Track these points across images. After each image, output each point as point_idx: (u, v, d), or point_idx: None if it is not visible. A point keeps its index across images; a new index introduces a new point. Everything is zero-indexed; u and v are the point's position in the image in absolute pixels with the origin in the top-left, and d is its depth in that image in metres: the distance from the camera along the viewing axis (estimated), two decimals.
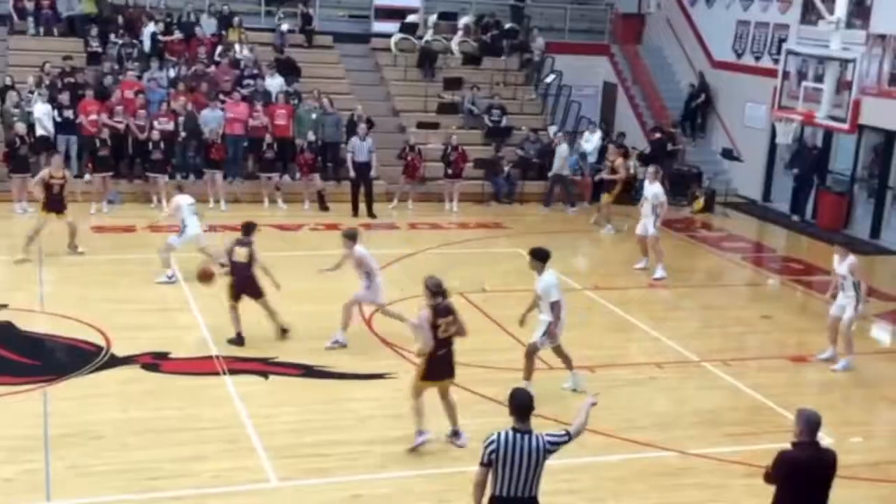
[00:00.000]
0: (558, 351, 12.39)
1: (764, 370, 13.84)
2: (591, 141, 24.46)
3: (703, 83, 27.14)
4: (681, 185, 24.78)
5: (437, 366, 10.60)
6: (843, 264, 13.91)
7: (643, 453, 11.10)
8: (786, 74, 19.72)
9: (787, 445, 7.67)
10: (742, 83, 25.88)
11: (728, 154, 25.85)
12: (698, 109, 27.10)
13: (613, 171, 21.91)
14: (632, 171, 23.10)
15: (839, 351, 14.14)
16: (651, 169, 18.85)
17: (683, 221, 23.27)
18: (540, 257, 11.86)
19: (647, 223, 18.07)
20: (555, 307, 11.86)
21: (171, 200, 16.99)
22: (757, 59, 25.76)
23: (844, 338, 14.00)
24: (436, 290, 10.45)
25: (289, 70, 24.57)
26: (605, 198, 21.74)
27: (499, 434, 7.39)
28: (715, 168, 25.80)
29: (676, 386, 13.10)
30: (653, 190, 18.06)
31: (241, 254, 13.53)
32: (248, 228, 13.88)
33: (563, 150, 23.54)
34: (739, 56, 26.45)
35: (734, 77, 26.33)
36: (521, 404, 7.55)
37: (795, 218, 23.50)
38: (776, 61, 22.53)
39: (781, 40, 24.05)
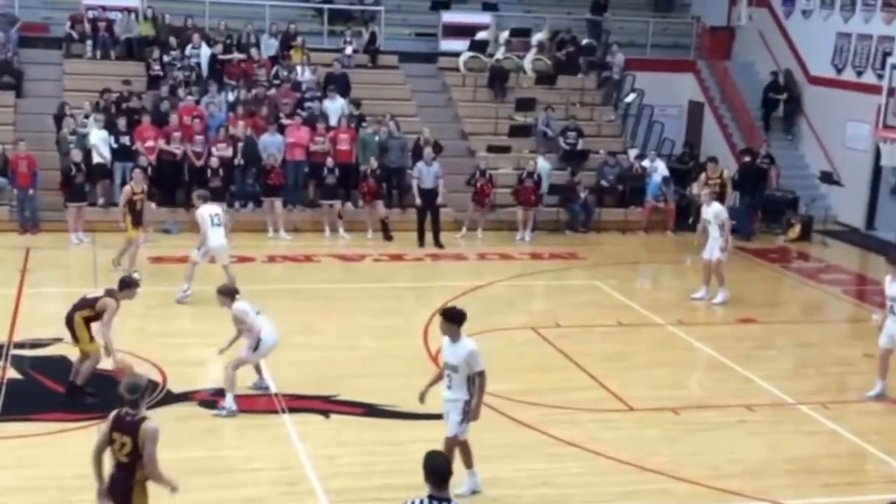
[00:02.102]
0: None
1: (866, 414, 13.68)
2: (656, 168, 24.45)
3: (789, 81, 27.12)
4: (775, 211, 24.63)
5: None
6: (894, 284, 13.51)
7: (731, 503, 11.07)
8: (891, 91, 19.64)
9: (894, 497, 7.63)
10: (842, 100, 25.71)
11: (827, 178, 25.62)
12: (779, 105, 27.16)
13: (723, 185, 21.83)
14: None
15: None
16: (706, 190, 18.89)
17: (777, 251, 23.13)
18: (454, 319, 10.34)
19: (713, 246, 17.99)
20: (479, 380, 10.47)
21: (196, 211, 17.42)
22: (859, 74, 25.58)
23: None
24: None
25: (343, 88, 24.89)
26: None
27: (413, 502, 7.13)
28: (812, 193, 25.60)
29: (769, 430, 13.02)
30: (713, 210, 18.06)
31: None
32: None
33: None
34: (839, 71, 26.30)
35: (834, 94, 26.16)
36: (436, 470, 7.22)
37: None
38: (880, 77, 22.45)
39: (886, 54, 23.92)
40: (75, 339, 12.68)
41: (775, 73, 27.73)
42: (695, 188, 22.33)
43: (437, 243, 21.68)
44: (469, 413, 10.43)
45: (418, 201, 21.74)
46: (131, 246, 18.24)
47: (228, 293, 13.04)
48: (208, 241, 16.88)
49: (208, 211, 17.07)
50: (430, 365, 14.56)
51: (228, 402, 12.61)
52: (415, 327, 15.97)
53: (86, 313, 12.58)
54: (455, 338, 10.36)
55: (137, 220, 18.24)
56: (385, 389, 13.44)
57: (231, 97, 24.10)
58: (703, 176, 22.41)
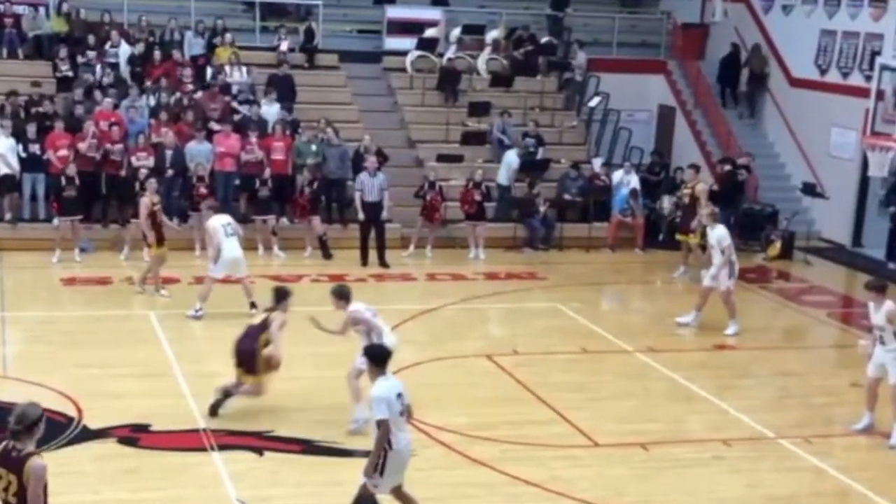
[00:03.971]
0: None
1: (853, 449, 13.97)
2: (628, 182, 24.71)
3: (754, 56, 27.90)
4: (753, 226, 24.94)
5: None
6: (879, 312, 13.92)
7: None
8: (880, 94, 20.00)
9: None
10: (827, 104, 26.07)
11: (810, 189, 25.90)
12: (738, 81, 28.06)
13: (694, 196, 22.15)
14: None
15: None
16: (706, 210, 19.18)
17: (756, 270, 23.44)
18: (374, 358, 10.64)
19: (718, 274, 18.20)
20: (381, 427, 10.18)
21: (207, 223, 17.91)
22: (845, 75, 25.99)
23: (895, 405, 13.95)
24: None
25: (287, 92, 25.02)
26: (693, 238, 21.76)
27: None
28: (794, 206, 25.89)
29: (747, 467, 13.23)
30: (716, 234, 18.34)
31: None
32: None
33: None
34: (823, 72, 26.71)
35: (817, 97, 26.52)
36: None
37: (893, 266, 23.56)
38: (868, 78, 22.83)
39: (874, 53, 24.15)
40: (251, 371, 13.54)
41: (735, 46, 28.24)
42: (665, 201, 22.62)
43: (382, 262, 21.79)
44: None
45: (361, 216, 21.82)
46: (155, 264, 18.89)
47: (343, 295, 13.49)
48: (224, 252, 17.39)
49: (220, 221, 17.58)
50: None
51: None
52: (357, 355, 16.01)
53: (264, 339, 13.51)
54: (379, 373, 10.39)
55: (162, 235, 18.81)
56: (325, 424, 13.54)
57: (153, 101, 24.10)
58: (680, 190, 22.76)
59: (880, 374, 14.11)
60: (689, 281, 21.33)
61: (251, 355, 13.52)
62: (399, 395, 10.24)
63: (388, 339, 13.12)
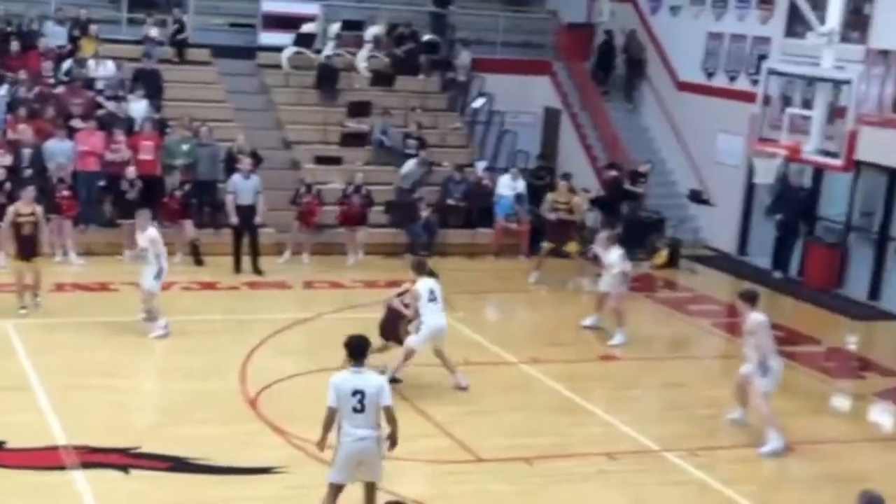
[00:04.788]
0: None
1: (738, 461, 14.29)
2: (515, 187, 25.00)
3: (631, 42, 28.67)
4: (638, 234, 25.32)
5: None
6: (747, 321, 14.68)
7: None
8: (767, 99, 20.45)
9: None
10: (713, 109, 26.50)
11: (696, 197, 26.39)
12: (613, 67, 28.92)
13: (571, 211, 22.53)
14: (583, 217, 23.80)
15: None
16: (603, 234, 19.51)
17: (642, 279, 23.70)
18: (348, 349, 10.96)
19: (608, 280, 18.83)
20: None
21: (145, 232, 17.47)
22: (732, 79, 26.49)
23: (765, 418, 14.67)
24: None
25: (154, 88, 24.76)
26: (573, 247, 22.14)
27: None
28: (680, 214, 26.45)
29: (632, 481, 13.47)
30: (609, 258, 18.78)
31: None
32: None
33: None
34: (710, 76, 27.22)
35: (704, 101, 27.00)
36: None
37: (778, 275, 24.17)
38: (755, 83, 23.28)
39: (762, 57, 24.73)
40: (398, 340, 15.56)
41: (609, 32, 28.88)
42: (546, 210, 22.80)
43: (256, 269, 21.69)
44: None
45: (234, 220, 21.70)
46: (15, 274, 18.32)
47: (416, 267, 15.95)
48: (164, 264, 17.36)
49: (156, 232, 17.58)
50: (247, 411, 14.64)
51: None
52: (230, 367, 16.01)
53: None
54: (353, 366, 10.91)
55: (26, 248, 18.08)
56: (195, 440, 13.45)
57: (10, 95, 23.66)
58: (548, 197, 22.99)
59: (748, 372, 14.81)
60: (546, 288, 21.87)
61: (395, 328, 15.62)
62: (356, 393, 10.54)
63: (432, 321, 15.42)
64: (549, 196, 23.02)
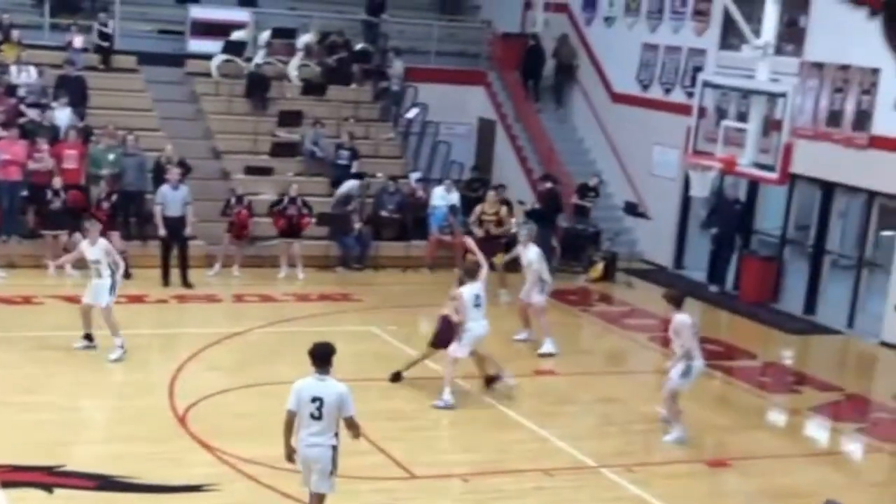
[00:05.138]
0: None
1: (675, 477, 14.39)
2: (449, 199, 25.08)
3: (562, 47, 28.96)
4: (574, 247, 25.51)
5: None
6: (672, 322, 15.21)
7: None
8: (702, 111, 20.66)
9: None
10: (648, 121, 26.82)
11: (632, 209, 26.58)
12: (541, 73, 29.18)
13: (500, 223, 22.61)
14: (513, 230, 23.82)
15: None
16: (524, 231, 19.71)
17: (577, 292, 23.99)
18: (311, 355, 11.05)
19: (530, 290, 18.99)
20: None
21: (96, 244, 17.18)
22: (667, 91, 26.77)
23: (669, 407, 15.34)
24: None
25: (79, 95, 24.55)
26: (500, 258, 22.21)
27: None
28: (616, 227, 26.64)
29: (568, 497, 13.55)
30: (528, 255, 18.97)
31: None
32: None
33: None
34: (645, 88, 27.49)
35: (639, 113, 27.29)
36: None
37: (713, 289, 24.42)
38: (690, 95, 23.53)
39: (697, 69, 25.04)
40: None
41: (536, 37, 29.13)
42: (472, 221, 22.83)
43: (186, 282, 21.60)
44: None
45: (162, 232, 21.60)
46: None
47: (464, 273, 16.50)
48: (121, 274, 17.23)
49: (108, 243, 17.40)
50: (176, 427, 14.56)
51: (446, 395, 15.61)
52: (158, 383, 15.93)
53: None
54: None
55: None
56: (123, 458, 13.35)
57: None
58: (476, 209, 23.04)
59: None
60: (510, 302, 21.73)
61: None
62: (315, 399, 10.69)
63: (476, 328, 15.98)
64: (477, 208, 23.09)
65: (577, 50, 29.34)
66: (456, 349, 16.10)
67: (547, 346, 18.91)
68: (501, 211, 22.99)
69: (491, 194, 23.43)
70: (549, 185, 25.80)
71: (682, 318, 15.16)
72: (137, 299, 20.32)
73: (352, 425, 10.87)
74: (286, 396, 15.68)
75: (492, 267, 22.39)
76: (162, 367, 16.64)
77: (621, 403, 17.06)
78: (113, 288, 17.08)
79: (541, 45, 29.46)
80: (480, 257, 17.13)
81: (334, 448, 10.86)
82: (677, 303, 15.41)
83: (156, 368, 16.68)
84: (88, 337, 17.19)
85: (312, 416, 10.75)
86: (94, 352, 17.11)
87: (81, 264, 18.42)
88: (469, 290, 16.17)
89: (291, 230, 23.19)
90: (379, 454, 14.05)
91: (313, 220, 23.61)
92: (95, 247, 17.16)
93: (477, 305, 16.16)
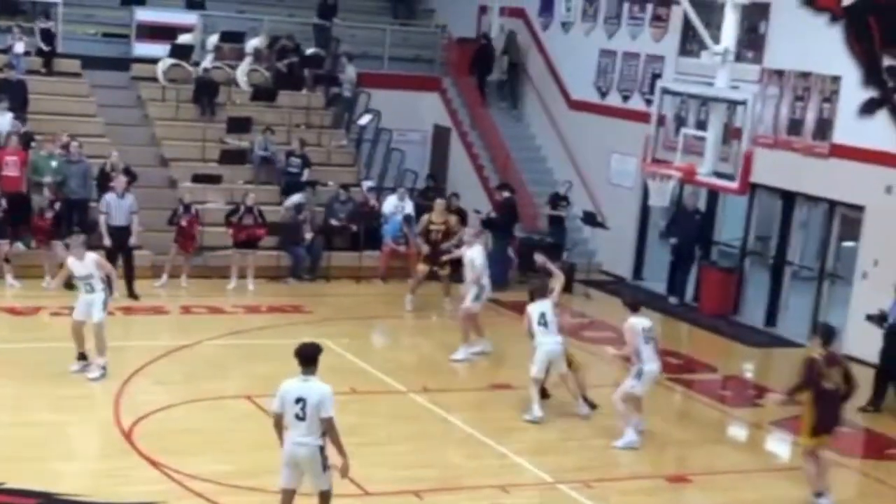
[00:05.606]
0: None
1: (633, 493, 14.49)
2: (403, 208, 25.08)
3: (510, 45, 29.18)
4: (531, 258, 25.47)
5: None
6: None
7: None
8: (661, 119, 20.75)
9: None
10: (606, 129, 26.87)
11: (590, 219, 26.62)
12: (491, 71, 29.47)
13: (448, 233, 22.61)
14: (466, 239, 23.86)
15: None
16: (470, 230, 19.95)
17: None
18: (297, 356, 11.36)
19: (466, 292, 19.21)
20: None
21: (83, 258, 17.00)
22: (625, 98, 26.89)
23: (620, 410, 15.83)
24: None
25: (19, 100, 24.39)
26: (447, 269, 22.26)
27: None
28: (574, 237, 26.70)
29: None
30: (470, 254, 19.12)
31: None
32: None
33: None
34: (603, 95, 27.57)
35: (597, 121, 27.33)
36: None
37: (673, 300, 24.53)
38: (649, 102, 23.68)
39: (655, 75, 25.19)
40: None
41: (486, 36, 29.37)
42: (419, 231, 22.82)
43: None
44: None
45: (107, 242, 21.48)
46: None
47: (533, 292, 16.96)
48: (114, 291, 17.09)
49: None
50: (122, 443, 14.48)
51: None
52: (103, 397, 15.85)
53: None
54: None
55: None
56: (67, 475, 13.32)
57: None
58: (423, 218, 22.91)
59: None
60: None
61: None
62: (299, 400, 11.02)
63: (544, 344, 16.36)
64: (425, 217, 22.99)
65: (525, 48, 29.57)
66: (531, 368, 16.58)
67: (462, 353, 19.10)
68: (451, 220, 22.94)
69: (439, 203, 23.26)
70: (505, 193, 25.80)
71: (630, 322, 15.73)
72: None
73: (328, 427, 11.11)
74: (234, 411, 15.87)
75: (436, 277, 22.55)
76: (107, 381, 16.53)
77: (580, 418, 17.08)
78: (105, 302, 16.93)
79: (492, 44, 29.61)
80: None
81: (321, 448, 11.18)
82: (632, 307, 15.98)
83: (101, 382, 16.56)
84: (83, 356, 16.97)
85: (297, 417, 11.07)
86: (37, 365, 16.99)
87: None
88: (535, 308, 16.60)
89: (248, 241, 23.12)
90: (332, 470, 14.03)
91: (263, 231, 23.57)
92: (84, 261, 16.92)
93: (542, 323, 16.50)
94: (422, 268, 22.51)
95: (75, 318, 17.00)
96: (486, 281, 19.41)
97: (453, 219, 23.17)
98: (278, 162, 25.66)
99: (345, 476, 11.38)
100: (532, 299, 16.78)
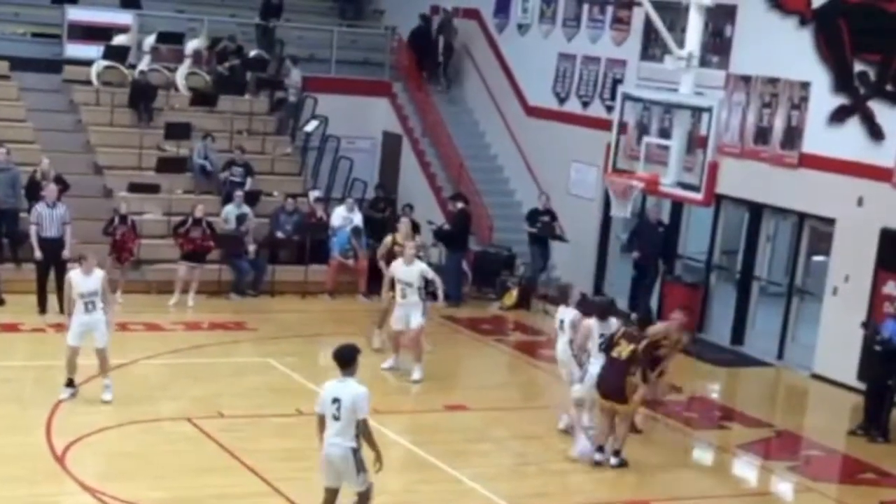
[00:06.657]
0: None
1: None
2: (352, 220, 25.15)
3: (445, 26, 29.54)
4: (487, 271, 25.62)
5: None
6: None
7: None
8: (622, 127, 20.88)
9: None
10: (565, 137, 26.92)
11: (548, 231, 26.72)
12: (429, 52, 29.86)
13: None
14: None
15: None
16: (411, 243, 20.01)
17: (491, 321, 24.11)
18: (335, 359, 12.05)
19: (409, 313, 19.15)
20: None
21: (91, 273, 16.72)
22: (585, 105, 26.96)
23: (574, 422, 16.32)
24: None
25: None
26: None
27: None
28: (532, 250, 26.80)
29: None
30: (416, 270, 19.25)
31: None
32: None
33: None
34: (562, 101, 27.65)
35: (555, 128, 27.41)
36: None
37: (634, 316, 24.63)
38: (610, 109, 23.83)
39: (617, 81, 25.36)
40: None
41: (425, 17, 29.79)
42: (381, 254, 22.65)
43: (63, 310, 21.33)
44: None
45: (38, 254, 21.43)
46: None
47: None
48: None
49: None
50: (55, 466, 14.44)
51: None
52: (35, 419, 15.76)
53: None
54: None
55: None
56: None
57: None
58: (386, 240, 22.34)
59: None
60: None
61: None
62: (335, 401, 11.75)
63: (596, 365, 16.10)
64: (388, 239, 22.26)
65: (458, 30, 29.96)
66: (577, 389, 16.58)
67: (418, 373, 19.20)
68: (417, 241, 22.33)
69: (404, 222, 22.65)
70: (459, 204, 25.84)
71: (590, 321, 16.29)
72: (11, 328, 20.15)
73: (364, 429, 11.79)
74: (173, 434, 15.86)
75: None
76: (39, 402, 16.47)
77: (539, 441, 17.16)
78: (108, 323, 16.84)
79: (430, 24, 29.98)
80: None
81: (354, 450, 11.77)
82: (600, 313, 16.35)
83: (32, 404, 16.51)
84: (71, 383, 16.84)
85: (333, 418, 11.78)
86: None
87: None
88: (599, 327, 16.44)
89: (195, 253, 23.09)
90: (276, 496, 14.08)
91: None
92: (91, 277, 16.71)
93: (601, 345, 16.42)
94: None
95: (71, 343, 16.70)
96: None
97: (419, 238, 23.01)
98: (219, 171, 25.61)
99: (378, 472, 11.92)
100: (588, 315, 16.70)
